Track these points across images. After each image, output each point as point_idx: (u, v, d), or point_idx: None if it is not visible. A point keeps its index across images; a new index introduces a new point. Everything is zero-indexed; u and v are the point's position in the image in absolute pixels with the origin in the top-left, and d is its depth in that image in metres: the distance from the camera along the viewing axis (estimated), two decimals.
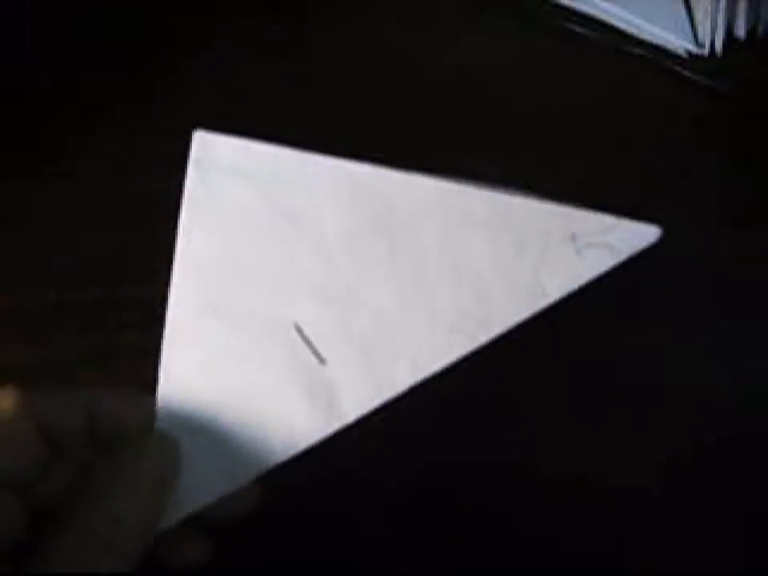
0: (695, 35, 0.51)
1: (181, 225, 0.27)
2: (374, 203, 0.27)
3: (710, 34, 0.50)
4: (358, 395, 0.25)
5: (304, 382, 0.26)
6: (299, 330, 0.26)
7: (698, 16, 0.50)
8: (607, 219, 0.26)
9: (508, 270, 0.26)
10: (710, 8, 0.49)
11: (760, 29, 0.52)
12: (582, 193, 0.45)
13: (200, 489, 0.25)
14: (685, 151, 0.47)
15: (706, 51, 0.51)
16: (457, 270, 0.26)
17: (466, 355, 0.26)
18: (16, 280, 0.41)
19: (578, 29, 0.53)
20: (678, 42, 0.51)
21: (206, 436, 0.26)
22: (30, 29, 0.52)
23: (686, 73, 0.50)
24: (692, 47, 0.51)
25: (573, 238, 0.26)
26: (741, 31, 0.51)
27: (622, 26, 0.53)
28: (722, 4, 0.49)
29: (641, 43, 0.52)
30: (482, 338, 0.26)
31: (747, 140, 0.47)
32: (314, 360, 0.26)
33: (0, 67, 0.49)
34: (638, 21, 0.52)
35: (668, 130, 0.48)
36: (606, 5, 0.53)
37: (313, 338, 0.26)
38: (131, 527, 0.23)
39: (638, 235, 0.27)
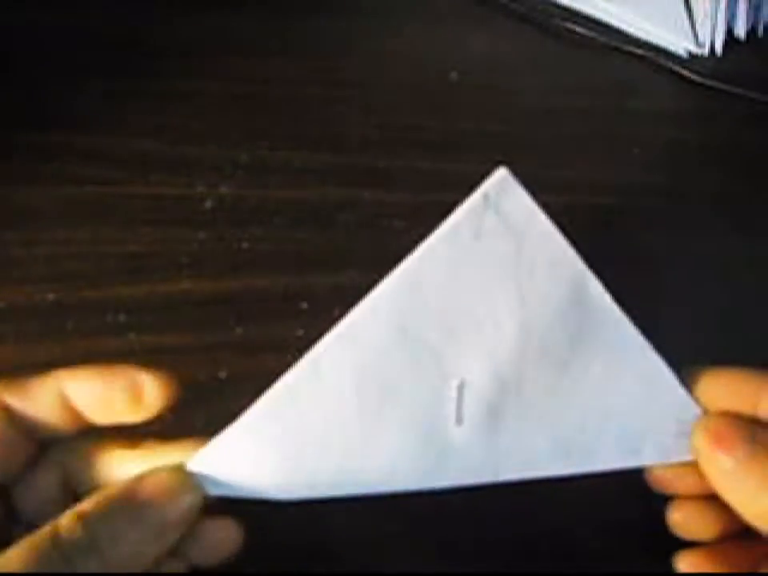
0: (695, 35, 0.51)
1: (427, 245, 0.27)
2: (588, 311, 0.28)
3: (710, 34, 0.50)
4: (469, 467, 0.25)
5: (429, 432, 0.25)
6: (461, 386, 0.25)
7: (698, 16, 0.50)
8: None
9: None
10: (709, 8, 0.49)
11: (760, 29, 0.52)
12: (583, 193, 0.45)
13: (253, 479, 0.25)
14: (685, 151, 0.47)
15: (706, 51, 0.51)
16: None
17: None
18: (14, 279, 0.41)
19: (578, 29, 0.53)
20: (678, 42, 0.51)
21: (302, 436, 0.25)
22: (31, 29, 0.52)
23: (685, 73, 0.50)
24: (692, 47, 0.51)
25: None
26: (741, 31, 0.51)
27: (622, 26, 0.53)
28: (722, 4, 0.49)
29: (641, 43, 0.52)
30: (583, 467, 0.26)
31: (747, 140, 0.47)
32: (453, 417, 0.25)
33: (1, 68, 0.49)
34: (638, 21, 0.52)
35: (668, 129, 0.48)
36: (606, 5, 0.53)
37: (467, 400, 0.25)
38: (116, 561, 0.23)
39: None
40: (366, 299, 0.26)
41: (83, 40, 0.51)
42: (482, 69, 0.51)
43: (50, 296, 0.40)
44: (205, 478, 0.25)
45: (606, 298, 0.28)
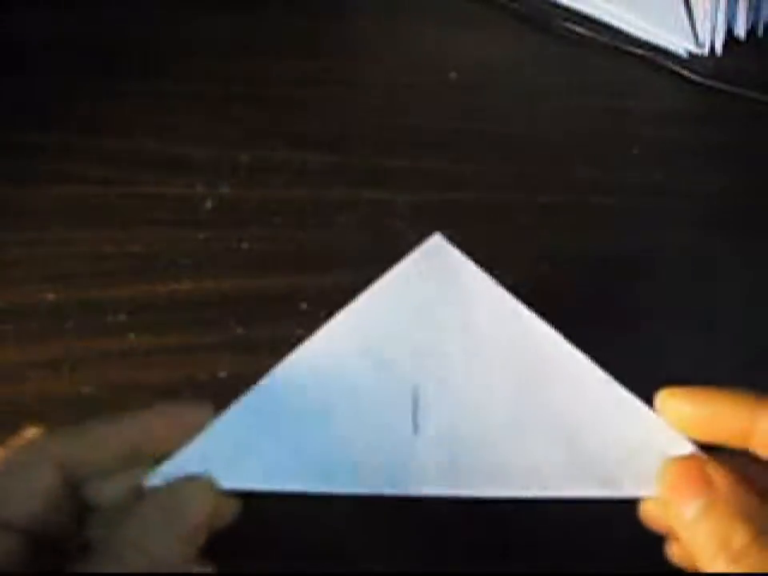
0: (695, 35, 0.51)
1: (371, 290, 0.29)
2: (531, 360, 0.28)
3: (710, 33, 0.50)
4: (429, 477, 0.26)
5: (389, 438, 0.27)
6: (415, 397, 0.27)
7: (698, 16, 0.50)
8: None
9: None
10: (710, 8, 0.49)
11: (760, 29, 0.52)
12: (583, 193, 0.45)
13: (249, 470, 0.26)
14: (685, 151, 0.47)
15: (706, 51, 0.51)
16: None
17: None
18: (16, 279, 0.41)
19: (578, 29, 0.53)
20: (678, 42, 0.51)
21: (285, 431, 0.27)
22: (31, 29, 0.52)
23: (685, 73, 0.50)
24: (692, 47, 0.51)
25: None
26: (741, 31, 0.51)
27: (622, 26, 0.53)
28: (722, 4, 0.49)
29: (641, 43, 0.52)
30: (555, 492, 0.27)
31: (747, 140, 0.47)
32: (410, 426, 0.27)
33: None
34: (638, 21, 0.52)
35: (668, 129, 0.48)
36: (606, 5, 0.53)
37: (423, 412, 0.27)
38: (159, 560, 0.24)
39: None
40: (333, 319, 0.28)
41: (83, 40, 0.51)
42: (482, 69, 0.51)
43: (50, 296, 0.40)
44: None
45: (555, 336, 0.28)
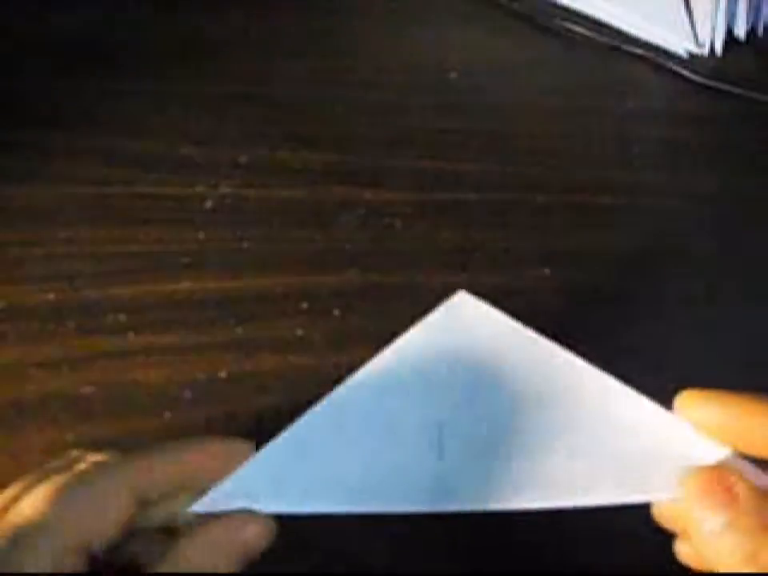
0: (695, 35, 0.51)
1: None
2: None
3: (710, 33, 0.50)
4: (457, 495, 0.28)
5: (418, 464, 0.28)
6: (440, 425, 0.29)
7: (698, 16, 0.50)
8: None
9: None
10: (710, 8, 0.49)
11: (760, 29, 0.52)
12: (583, 193, 0.45)
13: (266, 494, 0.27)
14: (685, 151, 0.47)
15: (706, 51, 0.51)
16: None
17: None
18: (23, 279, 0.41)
19: (578, 29, 0.53)
20: (678, 42, 0.51)
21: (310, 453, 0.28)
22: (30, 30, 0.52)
23: (685, 73, 0.50)
24: (692, 47, 0.51)
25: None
26: (741, 31, 0.51)
27: (622, 26, 0.53)
28: (722, 4, 0.49)
29: (641, 43, 0.52)
30: (583, 501, 0.27)
31: (747, 140, 0.47)
32: (435, 452, 0.29)
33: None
34: (638, 21, 0.52)
35: (668, 130, 0.48)
36: (606, 5, 0.53)
37: (447, 438, 0.29)
38: None
39: None
40: (361, 370, 0.29)
41: (83, 40, 0.52)
42: (482, 69, 0.51)
43: (50, 296, 0.40)
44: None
45: (576, 360, 0.29)
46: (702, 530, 0.24)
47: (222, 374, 0.37)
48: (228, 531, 0.26)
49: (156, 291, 0.40)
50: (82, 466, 0.27)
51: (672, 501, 0.26)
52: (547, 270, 0.41)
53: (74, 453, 0.28)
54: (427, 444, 0.29)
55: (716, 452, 0.26)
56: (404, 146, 0.47)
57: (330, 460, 0.28)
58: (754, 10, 0.51)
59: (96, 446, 0.35)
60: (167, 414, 0.36)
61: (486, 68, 0.51)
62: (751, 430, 0.25)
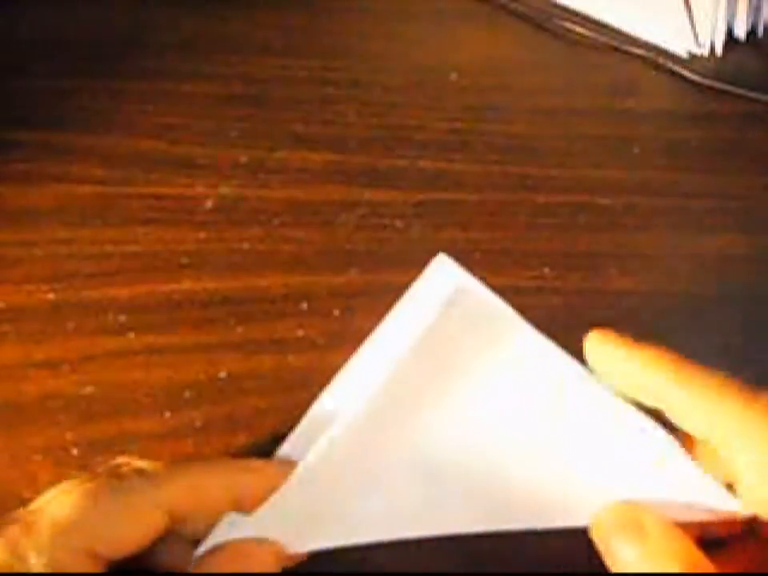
0: (695, 35, 0.51)
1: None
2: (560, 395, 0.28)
3: (710, 34, 0.50)
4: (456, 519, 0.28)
5: (417, 494, 0.28)
6: (430, 446, 0.29)
7: (698, 16, 0.50)
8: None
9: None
10: (710, 8, 0.49)
11: (760, 29, 0.52)
12: (583, 193, 0.45)
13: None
14: (685, 151, 0.47)
15: (706, 51, 0.51)
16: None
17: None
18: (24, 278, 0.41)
19: (578, 29, 0.53)
20: (678, 42, 0.51)
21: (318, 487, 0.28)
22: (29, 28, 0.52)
23: (685, 73, 0.50)
24: (692, 47, 0.51)
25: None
26: (741, 31, 0.51)
27: (622, 26, 0.53)
28: (722, 4, 0.49)
29: (641, 43, 0.52)
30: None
31: (747, 140, 0.47)
32: (423, 477, 0.28)
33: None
34: (638, 21, 0.52)
35: (668, 130, 0.48)
36: (606, 5, 0.53)
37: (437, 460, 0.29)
38: None
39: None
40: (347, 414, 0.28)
41: (83, 40, 0.52)
42: (481, 69, 0.51)
43: (50, 296, 0.40)
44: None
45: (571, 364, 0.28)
46: (618, 560, 0.25)
47: (222, 374, 0.37)
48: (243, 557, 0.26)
49: (156, 291, 0.40)
50: (123, 471, 0.26)
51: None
52: (547, 270, 0.41)
53: (120, 459, 0.27)
54: (420, 475, 0.28)
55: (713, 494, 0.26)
56: (404, 146, 0.47)
57: (338, 497, 0.28)
58: (754, 10, 0.51)
59: (96, 446, 0.35)
60: (167, 414, 0.36)
61: (486, 68, 0.51)
62: (653, 384, 0.26)
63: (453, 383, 0.29)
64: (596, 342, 0.27)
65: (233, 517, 0.27)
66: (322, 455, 0.27)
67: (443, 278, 0.28)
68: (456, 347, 0.28)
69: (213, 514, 0.27)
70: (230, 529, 0.27)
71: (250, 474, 0.27)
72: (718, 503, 0.25)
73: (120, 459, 0.27)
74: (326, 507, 0.28)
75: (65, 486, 0.26)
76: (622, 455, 0.27)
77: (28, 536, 0.24)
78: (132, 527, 0.25)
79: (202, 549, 0.26)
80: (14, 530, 0.24)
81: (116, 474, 0.26)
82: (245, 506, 0.27)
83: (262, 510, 0.27)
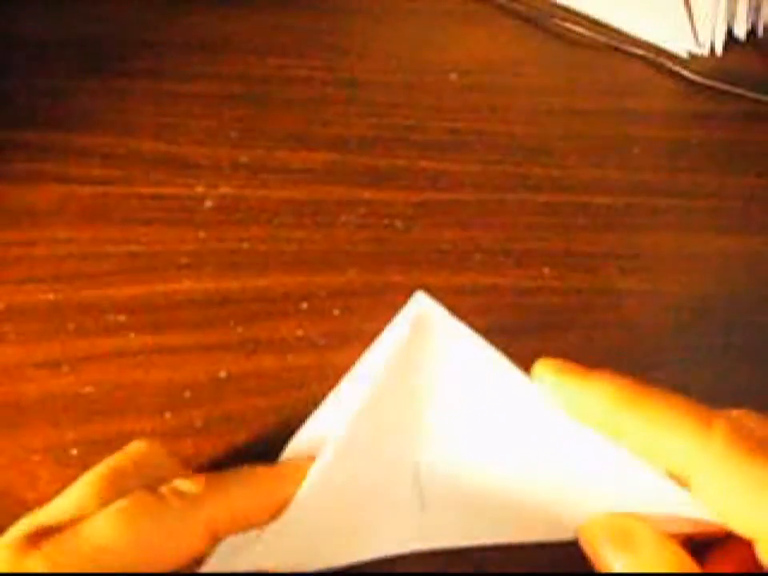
0: (695, 35, 0.51)
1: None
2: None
3: (710, 34, 0.50)
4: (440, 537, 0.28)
5: (399, 517, 0.28)
6: (416, 470, 0.28)
7: (698, 16, 0.50)
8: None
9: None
10: (710, 8, 0.49)
11: (760, 29, 0.52)
12: (583, 193, 0.45)
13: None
14: (685, 151, 0.47)
15: (706, 51, 0.51)
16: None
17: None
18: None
19: (578, 29, 0.53)
20: (678, 42, 0.51)
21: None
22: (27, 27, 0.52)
23: (685, 73, 0.50)
24: (692, 47, 0.51)
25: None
26: (741, 31, 0.51)
27: (622, 26, 0.53)
28: (722, 4, 0.49)
29: (641, 43, 0.52)
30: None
31: (747, 140, 0.47)
32: (417, 502, 0.28)
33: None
34: (638, 21, 0.52)
35: (668, 130, 0.48)
36: (606, 5, 0.53)
37: (426, 483, 0.28)
38: None
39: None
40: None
41: (82, 40, 0.52)
42: (481, 69, 0.51)
43: (50, 296, 0.40)
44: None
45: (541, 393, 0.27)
46: (609, 569, 0.25)
47: (222, 374, 0.37)
48: None
49: (156, 291, 0.40)
50: (164, 491, 0.25)
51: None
52: (547, 270, 0.41)
53: (159, 472, 0.27)
54: (409, 494, 0.28)
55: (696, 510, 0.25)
56: (404, 146, 0.47)
57: (323, 522, 0.28)
58: (754, 10, 0.51)
59: (96, 446, 0.35)
60: (167, 414, 0.36)
61: (486, 68, 0.51)
62: (605, 416, 0.25)
63: (429, 407, 0.29)
64: (545, 374, 0.26)
65: (235, 539, 0.26)
66: (315, 482, 0.27)
67: (421, 313, 0.28)
68: (430, 370, 0.28)
69: (251, 527, 0.26)
70: (233, 550, 0.26)
71: (287, 482, 0.26)
72: (696, 513, 0.25)
73: (159, 473, 0.27)
74: (323, 532, 0.28)
75: (102, 497, 0.25)
76: (591, 475, 0.26)
77: (66, 556, 0.23)
78: (171, 551, 0.24)
79: (204, 569, 0.26)
80: (50, 549, 0.23)
81: (153, 495, 0.25)
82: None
83: (263, 534, 0.26)
